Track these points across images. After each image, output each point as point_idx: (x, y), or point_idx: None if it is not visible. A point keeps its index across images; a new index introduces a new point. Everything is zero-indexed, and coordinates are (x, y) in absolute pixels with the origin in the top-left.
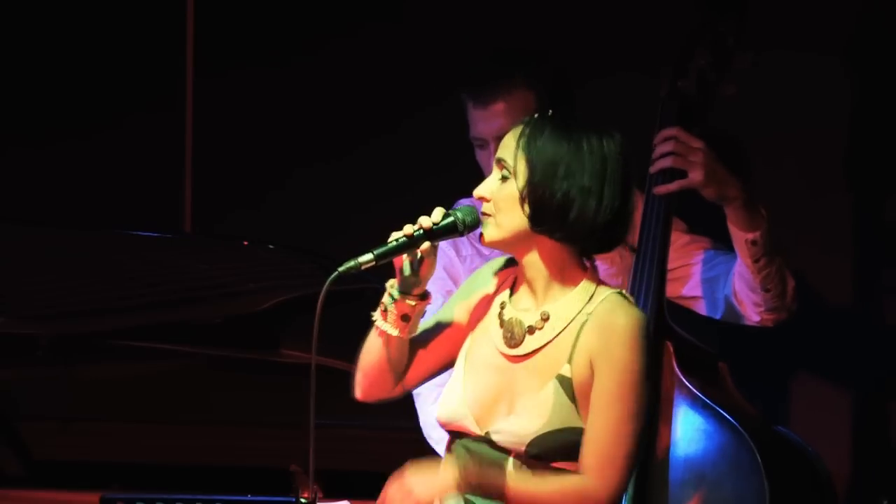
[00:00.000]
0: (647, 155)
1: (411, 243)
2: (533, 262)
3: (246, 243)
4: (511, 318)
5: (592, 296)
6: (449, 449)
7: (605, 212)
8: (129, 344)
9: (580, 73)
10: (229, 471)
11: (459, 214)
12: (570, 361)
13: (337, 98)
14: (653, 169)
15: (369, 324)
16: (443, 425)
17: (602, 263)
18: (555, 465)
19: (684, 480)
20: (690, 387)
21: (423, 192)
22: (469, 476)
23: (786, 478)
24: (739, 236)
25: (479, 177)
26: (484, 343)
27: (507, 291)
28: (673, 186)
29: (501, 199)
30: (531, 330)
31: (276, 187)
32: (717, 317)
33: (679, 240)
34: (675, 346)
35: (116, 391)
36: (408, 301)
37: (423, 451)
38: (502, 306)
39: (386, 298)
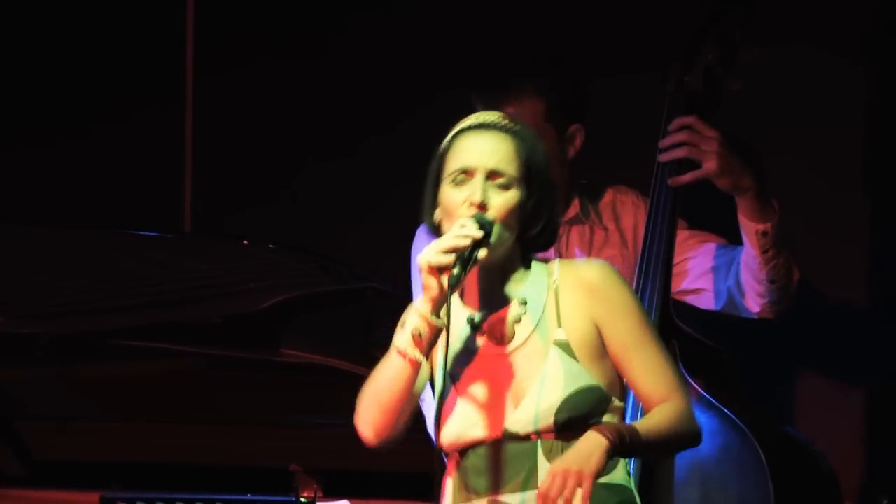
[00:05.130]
0: (653, 153)
1: (470, 256)
2: (498, 264)
3: (246, 243)
4: (491, 322)
5: (548, 269)
6: (457, 466)
7: (557, 216)
8: (129, 344)
9: (584, 70)
10: (229, 471)
11: (482, 220)
12: (560, 325)
13: (338, 96)
14: (664, 157)
15: (370, 324)
16: (450, 446)
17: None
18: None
19: (689, 480)
20: (695, 386)
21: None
22: (613, 437)
23: (790, 477)
24: (750, 227)
25: None
26: (464, 360)
27: (461, 310)
28: (687, 178)
29: (505, 208)
30: (517, 320)
31: (277, 186)
32: (718, 308)
33: (679, 235)
34: (681, 345)
35: (116, 391)
36: (438, 323)
37: (423, 451)
38: (470, 320)
39: (419, 325)
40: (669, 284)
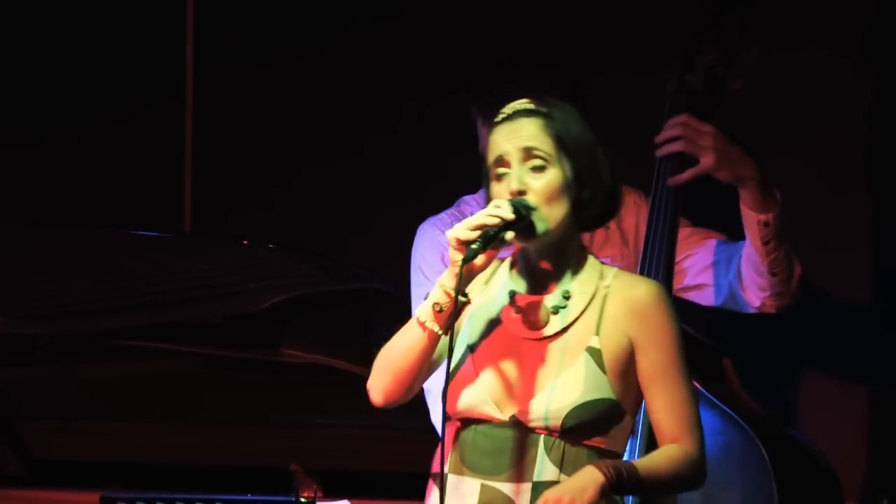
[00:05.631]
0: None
1: (495, 236)
2: (550, 246)
3: (246, 243)
4: (530, 303)
5: (602, 272)
6: (456, 438)
7: (612, 183)
8: (129, 344)
9: (586, 71)
10: (229, 471)
11: (520, 204)
12: (597, 333)
13: (338, 97)
14: (660, 152)
15: (370, 324)
16: (457, 414)
17: (605, 259)
18: (587, 442)
19: None
20: (697, 385)
21: (426, 192)
22: (610, 474)
23: (793, 477)
24: (752, 217)
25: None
26: (492, 330)
27: (506, 279)
28: (686, 175)
29: (544, 189)
30: (556, 310)
31: (276, 186)
32: (719, 303)
33: (681, 233)
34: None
35: (116, 391)
36: (461, 298)
37: (423, 450)
38: (512, 294)
39: (441, 298)
40: (671, 285)
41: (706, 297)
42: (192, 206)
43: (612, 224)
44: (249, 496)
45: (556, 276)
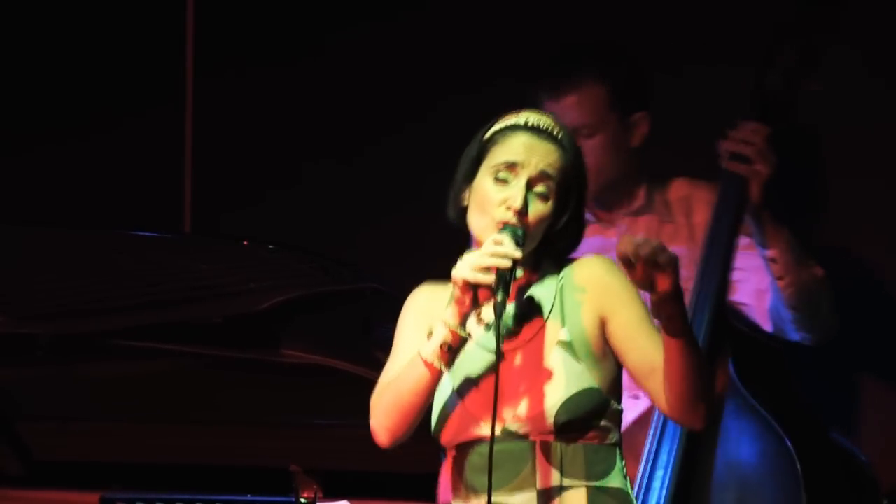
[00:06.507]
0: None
1: (511, 278)
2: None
3: (246, 243)
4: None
5: (556, 265)
6: (459, 466)
7: (577, 234)
8: (129, 344)
9: (646, 60)
10: (229, 471)
11: (515, 235)
12: (564, 325)
13: (338, 98)
14: (726, 157)
15: (370, 324)
16: (451, 443)
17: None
18: (582, 441)
19: (726, 483)
20: (741, 389)
21: (427, 193)
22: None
23: (826, 486)
24: (761, 252)
25: None
26: (467, 353)
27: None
28: (756, 192)
29: (536, 217)
30: (524, 317)
31: (276, 187)
32: (769, 329)
33: (741, 241)
34: (735, 346)
35: (116, 391)
36: (464, 334)
37: (423, 451)
38: (478, 314)
39: (447, 336)
40: (727, 284)
41: (758, 319)
42: (192, 206)
43: (682, 219)
44: (249, 496)
45: (519, 288)
